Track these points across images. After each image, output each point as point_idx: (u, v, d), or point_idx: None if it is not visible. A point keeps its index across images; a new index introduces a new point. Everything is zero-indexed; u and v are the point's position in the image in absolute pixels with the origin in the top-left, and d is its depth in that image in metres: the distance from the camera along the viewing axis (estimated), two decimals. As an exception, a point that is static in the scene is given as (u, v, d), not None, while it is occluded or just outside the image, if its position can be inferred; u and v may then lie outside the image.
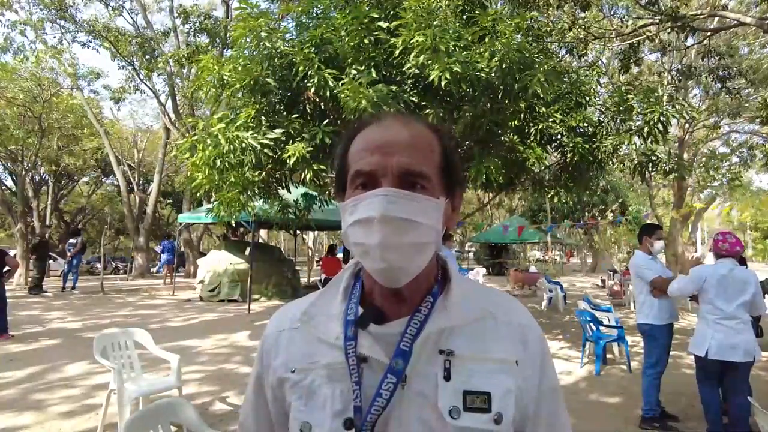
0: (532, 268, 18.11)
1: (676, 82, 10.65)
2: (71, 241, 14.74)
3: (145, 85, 18.69)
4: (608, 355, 6.47)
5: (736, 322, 3.55)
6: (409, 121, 0.76)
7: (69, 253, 14.24)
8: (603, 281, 17.52)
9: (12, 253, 9.12)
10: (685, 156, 19.23)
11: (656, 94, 6.48)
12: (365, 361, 0.71)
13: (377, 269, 0.69)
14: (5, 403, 4.47)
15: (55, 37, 18.06)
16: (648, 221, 15.81)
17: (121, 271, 22.53)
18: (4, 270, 7.58)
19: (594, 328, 6.26)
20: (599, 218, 20.29)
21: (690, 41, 9.89)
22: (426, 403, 0.70)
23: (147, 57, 16.95)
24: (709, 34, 9.05)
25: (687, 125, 16.96)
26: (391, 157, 0.70)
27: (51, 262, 14.29)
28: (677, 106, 6.81)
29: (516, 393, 0.73)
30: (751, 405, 2.32)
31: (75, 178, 26.36)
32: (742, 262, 4.13)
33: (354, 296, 0.78)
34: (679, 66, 11.15)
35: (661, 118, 6.08)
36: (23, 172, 18.35)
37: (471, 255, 31.86)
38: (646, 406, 4.16)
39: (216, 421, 4.04)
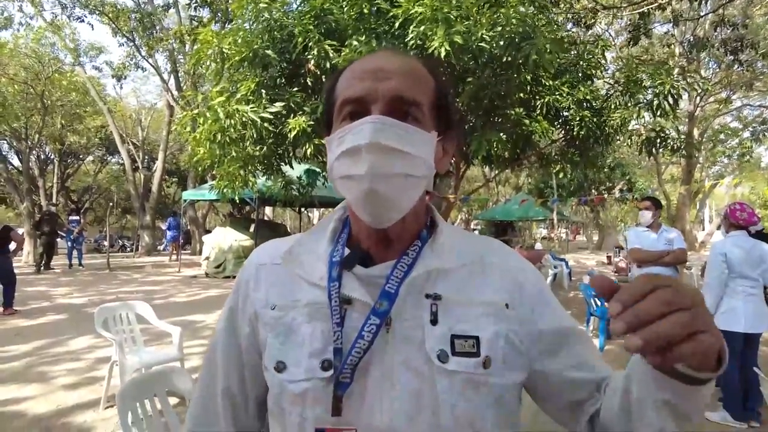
0: (538, 245, 18.05)
1: (687, 54, 10.37)
2: (72, 218, 14.84)
3: (147, 62, 18.49)
4: (612, 330, 6.46)
5: (760, 291, 3.56)
6: (402, 53, 0.74)
7: (75, 230, 14.36)
8: (608, 258, 17.46)
9: (19, 231, 9.19)
10: (695, 131, 18.94)
11: (667, 66, 6.31)
12: (349, 303, 0.68)
13: (363, 199, 0.65)
14: (11, 375, 4.54)
15: (52, 12, 17.83)
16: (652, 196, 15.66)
17: (127, 249, 22.73)
18: (10, 246, 7.64)
19: (598, 303, 6.24)
20: (606, 195, 20.09)
21: (704, 10, 9.57)
22: (411, 347, 0.67)
23: (148, 33, 16.70)
24: (724, 1, 8.75)
25: (698, 99, 16.62)
26: (382, 82, 0.66)
27: (58, 240, 14.42)
28: (689, 79, 6.63)
29: (508, 336, 0.70)
30: (758, 376, 2.30)
31: (80, 156, 26.38)
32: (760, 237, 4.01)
33: (341, 239, 0.75)
34: (691, 37, 10.84)
35: (672, 91, 5.92)
36: (27, 150, 18.36)
37: (476, 232, 31.89)
38: None
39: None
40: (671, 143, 6.90)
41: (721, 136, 21.80)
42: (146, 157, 25.78)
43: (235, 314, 0.78)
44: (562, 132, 7.16)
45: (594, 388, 0.73)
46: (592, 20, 7.92)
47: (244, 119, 5.61)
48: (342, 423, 0.65)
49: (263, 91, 5.92)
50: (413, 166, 0.66)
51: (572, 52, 6.82)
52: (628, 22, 8.95)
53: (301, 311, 0.71)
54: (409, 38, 5.26)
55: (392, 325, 0.67)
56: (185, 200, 14.98)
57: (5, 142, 20.82)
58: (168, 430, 2.05)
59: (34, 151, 19.47)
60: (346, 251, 0.72)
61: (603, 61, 6.82)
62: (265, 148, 6.37)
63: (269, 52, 5.86)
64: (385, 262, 0.71)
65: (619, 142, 7.60)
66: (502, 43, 5.18)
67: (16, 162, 22.25)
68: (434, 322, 0.68)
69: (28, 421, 3.54)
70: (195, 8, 16.17)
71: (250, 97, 5.81)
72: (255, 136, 5.86)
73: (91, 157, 27.78)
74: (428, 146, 0.68)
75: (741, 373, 3.62)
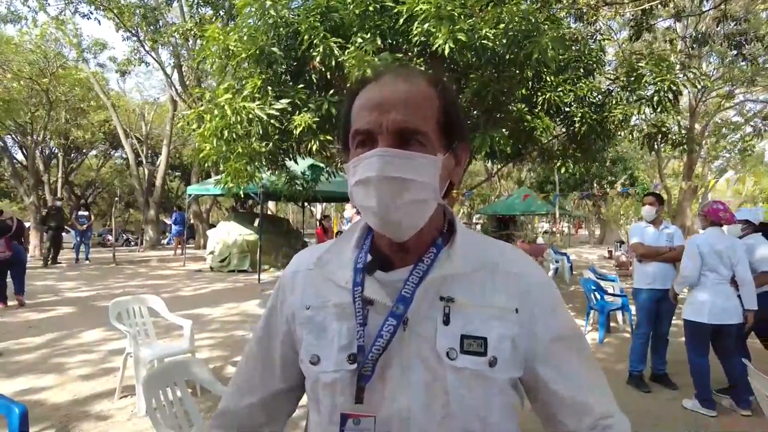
0: (540, 240, 18.13)
1: (689, 49, 10.40)
2: (81, 213, 14.95)
3: (151, 56, 18.53)
4: (612, 324, 6.56)
5: (731, 286, 3.67)
6: (409, 76, 0.78)
7: (83, 226, 14.48)
8: (610, 252, 17.53)
9: (26, 224, 9.35)
10: (697, 126, 18.93)
11: (667, 62, 6.35)
12: (371, 303, 0.77)
13: (379, 226, 0.76)
14: (27, 367, 4.66)
15: (57, 8, 17.91)
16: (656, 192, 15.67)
17: (131, 243, 22.88)
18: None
19: (598, 297, 6.33)
20: (608, 189, 20.12)
21: (706, 5, 9.60)
22: (425, 344, 0.75)
23: (151, 28, 16.73)
24: (725, -2, 8.77)
25: (699, 94, 16.59)
26: (386, 115, 0.73)
27: (64, 234, 14.55)
28: (689, 75, 6.69)
29: (513, 339, 0.77)
30: (746, 367, 2.38)
31: (84, 151, 26.47)
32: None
33: (365, 246, 0.83)
34: (693, 33, 10.86)
35: (672, 87, 5.99)
36: (33, 145, 18.47)
37: (479, 227, 31.94)
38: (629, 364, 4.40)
39: (228, 384, 4.19)
40: (672, 138, 6.97)
41: (723, 131, 21.78)
42: (150, 151, 25.86)
43: (275, 312, 0.90)
44: (564, 128, 7.23)
45: (577, 409, 0.78)
46: (594, 17, 7.96)
47: (250, 116, 5.70)
48: (364, 410, 0.75)
49: (269, 88, 6.00)
50: (418, 191, 0.73)
51: (574, 48, 6.88)
52: (631, 17, 8.97)
53: (331, 311, 0.81)
54: (413, 35, 5.33)
55: (409, 323, 0.75)
56: (190, 195, 15.09)
57: (10, 137, 20.95)
58: (187, 415, 2.16)
59: (38, 146, 19.54)
60: (369, 257, 0.81)
61: (603, 57, 6.88)
62: (270, 144, 6.46)
63: (275, 49, 5.93)
64: (403, 267, 0.79)
65: (620, 137, 7.66)
66: (505, 40, 5.24)
67: (20, 157, 22.39)
68: (446, 322, 0.75)
69: (48, 409, 3.66)
70: (197, 7, 16.19)
71: (257, 94, 5.88)
72: (261, 132, 5.96)
73: (94, 152, 27.87)
74: (433, 169, 0.75)
75: (724, 363, 3.76)
